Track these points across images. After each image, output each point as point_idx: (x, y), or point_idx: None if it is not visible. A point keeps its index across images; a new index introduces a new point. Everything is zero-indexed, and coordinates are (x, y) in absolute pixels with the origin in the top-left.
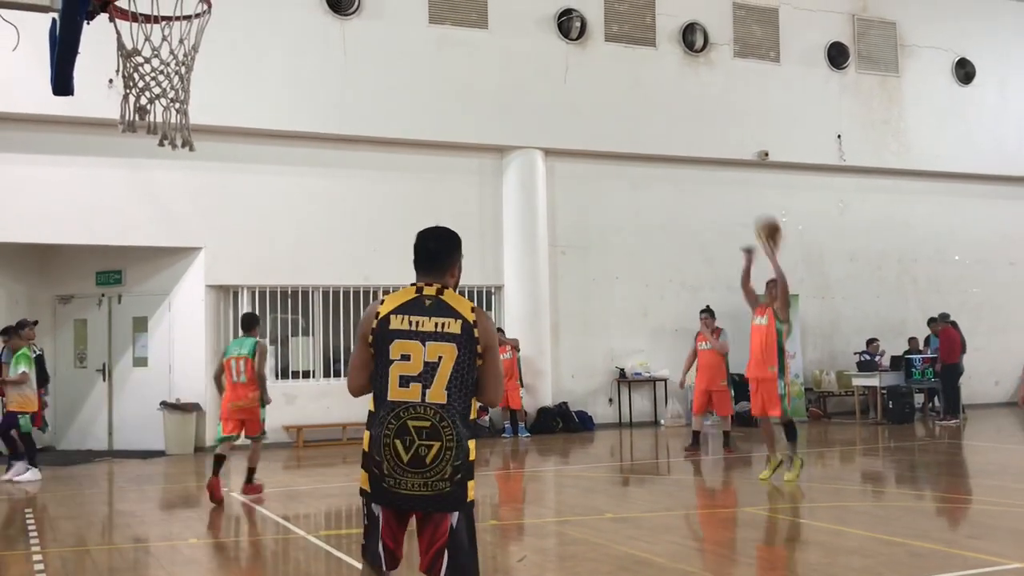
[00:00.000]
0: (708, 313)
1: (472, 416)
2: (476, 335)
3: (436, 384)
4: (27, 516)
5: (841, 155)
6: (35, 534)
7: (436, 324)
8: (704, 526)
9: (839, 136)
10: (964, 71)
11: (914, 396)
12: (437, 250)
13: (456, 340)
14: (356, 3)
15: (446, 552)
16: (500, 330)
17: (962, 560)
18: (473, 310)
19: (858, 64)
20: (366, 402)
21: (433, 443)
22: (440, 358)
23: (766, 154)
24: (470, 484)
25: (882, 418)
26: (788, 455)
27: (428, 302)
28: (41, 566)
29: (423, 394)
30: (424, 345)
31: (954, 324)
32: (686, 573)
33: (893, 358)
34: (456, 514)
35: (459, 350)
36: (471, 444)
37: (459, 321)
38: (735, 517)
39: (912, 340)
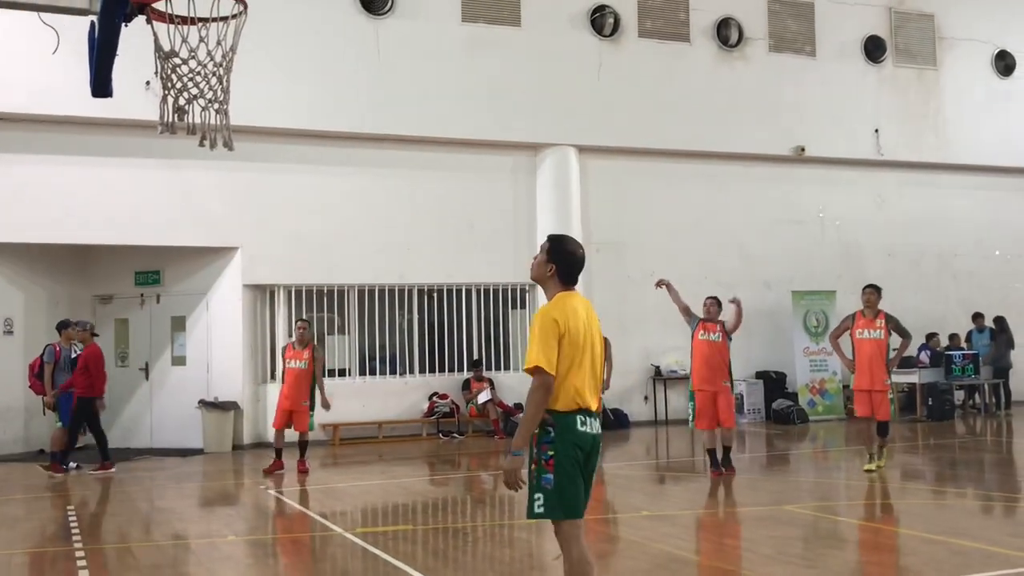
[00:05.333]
0: None
1: None
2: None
3: None
4: (69, 513)
5: (879, 150)
6: (77, 531)
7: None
8: (741, 524)
9: (876, 130)
10: (1004, 63)
11: (954, 393)
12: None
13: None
14: (389, 3)
15: None
16: None
17: (1004, 559)
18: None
19: (895, 57)
20: (400, 401)
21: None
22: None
23: (802, 149)
24: None
25: (922, 415)
26: (879, 448)
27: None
28: (84, 562)
29: None
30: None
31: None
32: (723, 571)
33: (933, 354)
34: None
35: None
36: None
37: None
38: (773, 515)
39: (954, 336)
